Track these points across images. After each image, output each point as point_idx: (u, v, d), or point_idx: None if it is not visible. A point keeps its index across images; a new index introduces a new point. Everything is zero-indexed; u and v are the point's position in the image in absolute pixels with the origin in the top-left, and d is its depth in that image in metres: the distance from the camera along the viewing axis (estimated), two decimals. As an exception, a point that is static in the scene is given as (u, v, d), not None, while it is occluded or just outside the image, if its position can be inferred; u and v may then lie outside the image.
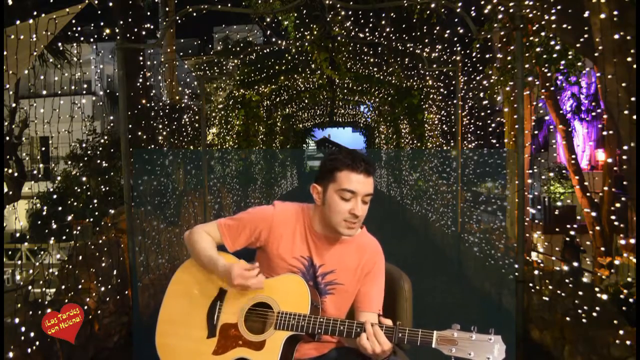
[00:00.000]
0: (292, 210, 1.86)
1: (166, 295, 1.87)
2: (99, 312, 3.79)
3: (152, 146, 5.91)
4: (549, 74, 5.90)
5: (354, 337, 1.62)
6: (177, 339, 1.79)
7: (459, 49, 6.88)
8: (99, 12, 4.11)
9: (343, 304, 1.85)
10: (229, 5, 4.81)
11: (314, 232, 1.82)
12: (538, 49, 5.20)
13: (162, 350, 1.80)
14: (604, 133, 6.67)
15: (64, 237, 4.95)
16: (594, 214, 5.66)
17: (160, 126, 6.26)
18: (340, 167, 1.71)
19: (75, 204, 5.86)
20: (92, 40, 4.80)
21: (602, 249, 5.24)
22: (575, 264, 4.16)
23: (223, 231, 1.83)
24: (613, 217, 5.06)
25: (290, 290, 1.72)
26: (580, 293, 3.41)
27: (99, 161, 6.15)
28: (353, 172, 1.70)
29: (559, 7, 3.64)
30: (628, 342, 2.75)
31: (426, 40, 7.51)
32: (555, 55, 5.19)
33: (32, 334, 2.82)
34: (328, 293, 1.82)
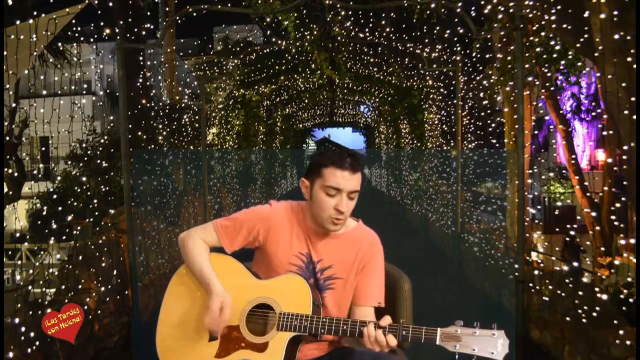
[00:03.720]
0: (288, 208, 1.87)
1: (166, 298, 1.86)
2: (99, 312, 3.79)
3: (152, 146, 5.91)
4: (549, 74, 5.90)
5: (357, 337, 1.62)
6: (179, 342, 1.78)
7: (459, 49, 6.88)
8: (99, 12, 4.11)
9: (343, 298, 1.85)
10: (229, 5, 4.80)
11: (309, 228, 1.83)
12: (538, 49, 5.20)
13: (164, 353, 1.78)
14: (604, 133, 6.67)
15: (64, 237, 4.95)
16: (594, 214, 5.66)
17: (160, 126, 6.25)
18: (326, 163, 1.73)
19: (75, 204, 5.85)
20: (92, 40, 4.79)
21: (602, 249, 5.24)
22: (575, 264, 4.16)
23: (220, 232, 1.82)
24: (613, 217, 5.06)
25: (291, 290, 1.72)
26: (580, 293, 3.41)
27: (99, 161, 6.14)
28: (338, 169, 1.71)
29: (559, 7, 3.64)
30: (628, 342, 2.75)
31: (426, 40, 7.52)
32: (555, 55, 5.19)
33: (32, 334, 2.82)
34: (328, 288, 1.82)
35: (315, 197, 1.75)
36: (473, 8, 5.09)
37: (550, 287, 3.80)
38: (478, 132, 8.90)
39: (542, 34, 4.90)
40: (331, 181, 1.71)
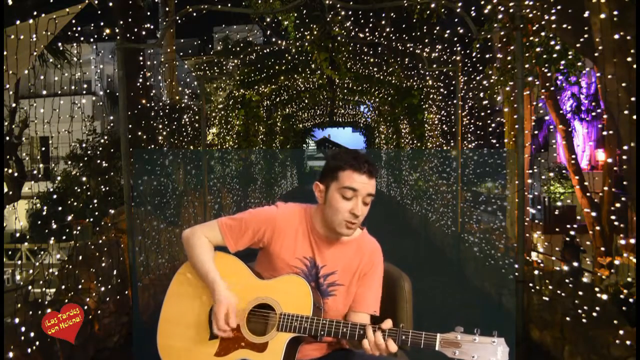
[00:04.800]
0: (295, 210, 1.86)
1: (167, 296, 1.86)
2: (99, 312, 3.79)
3: (152, 146, 5.91)
4: (549, 74, 5.90)
5: (357, 340, 1.61)
6: (179, 340, 1.78)
7: (459, 49, 6.88)
8: (99, 12, 4.11)
9: (344, 305, 1.85)
10: (229, 5, 4.81)
11: (316, 233, 1.82)
12: (538, 49, 5.20)
13: (164, 351, 1.79)
14: (604, 133, 6.67)
15: (64, 237, 4.95)
16: (594, 214, 5.66)
17: (160, 126, 6.25)
18: (343, 166, 1.71)
19: (75, 204, 5.85)
20: (92, 40, 4.80)
21: (602, 249, 5.23)
22: (575, 264, 4.16)
23: (225, 232, 1.81)
24: (613, 217, 5.05)
25: (292, 291, 1.72)
26: (580, 293, 3.41)
27: (99, 161, 6.14)
28: (356, 172, 1.70)
29: (559, 7, 3.64)
30: (628, 342, 2.75)
31: (426, 40, 7.53)
32: (555, 55, 5.19)
33: (32, 334, 2.82)
34: (330, 295, 1.82)
35: (330, 200, 1.73)
36: (473, 8, 5.10)
37: (550, 287, 3.80)
38: (478, 132, 8.92)
39: (542, 34, 4.90)
40: (348, 182, 1.69)
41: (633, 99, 2.91)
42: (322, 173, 1.79)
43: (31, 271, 5.43)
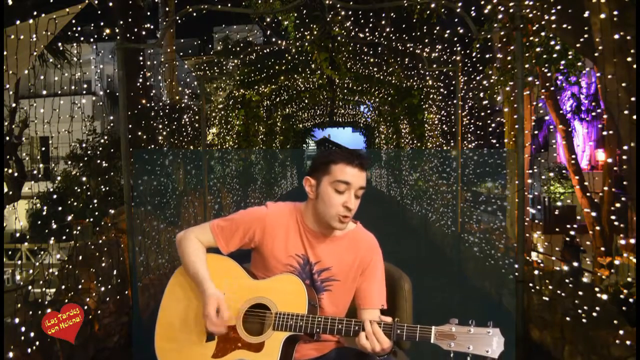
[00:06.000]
0: (284, 209, 1.86)
1: (164, 298, 1.87)
2: (99, 312, 3.79)
3: (152, 146, 5.91)
4: (549, 74, 5.90)
5: (352, 336, 1.62)
6: (176, 342, 1.79)
7: (459, 49, 6.88)
8: (99, 12, 4.11)
9: (340, 300, 1.85)
10: (229, 5, 4.81)
11: (308, 229, 1.82)
12: (538, 49, 5.20)
13: (161, 353, 1.79)
14: (604, 133, 6.66)
15: (64, 237, 4.95)
16: (594, 214, 5.65)
17: (160, 126, 6.25)
18: (335, 159, 1.72)
19: (75, 204, 5.85)
20: (92, 40, 4.80)
21: (602, 249, 5.23)
22: (575, 264, 4.16)
23: (216, 233, 1.82)
24: (613, 217, 5.05)
25: (287, 290, 1.72)
26: (580, 293, 3.41)
27: (99, 161, 6.14)
28: (348, 165, 1.71)
29: (559, 7, 3.64)
30: (628, 342, 2.75)
31: (426, 40, 7.52)
32: (555, 55, 5.19)
33: (32, 334, 2.82)
34: (325, 290, 1.82)
35: (322, 194, 1.74)
36: (473, 8, 5.09)
37: (550, 287, 3.80)
38: (478, 132, 8.91)
39: (542, 34, 4.90)
40: (341, 176, 1.70)
41: (633, 99, 2.91)
42: (313, 167, 1.79)
43: (31, 271, 5.44)
